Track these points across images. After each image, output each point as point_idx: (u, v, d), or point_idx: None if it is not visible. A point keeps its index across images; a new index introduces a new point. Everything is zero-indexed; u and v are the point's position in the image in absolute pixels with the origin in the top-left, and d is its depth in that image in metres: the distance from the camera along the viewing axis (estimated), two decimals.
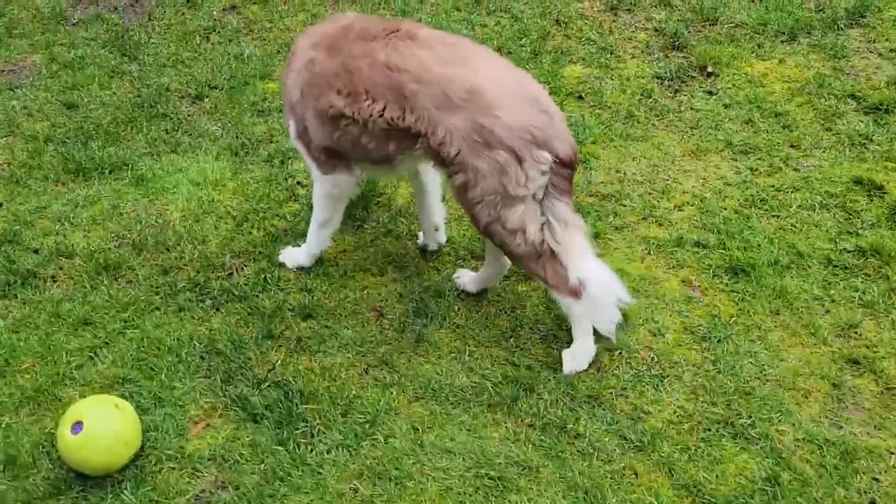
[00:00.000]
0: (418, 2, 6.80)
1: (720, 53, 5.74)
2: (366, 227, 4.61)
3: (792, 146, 5.00)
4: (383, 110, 3.55)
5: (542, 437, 3.54)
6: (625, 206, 4.70)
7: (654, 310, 4.04)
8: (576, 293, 3.64)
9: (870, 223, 4.40)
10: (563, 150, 3.47)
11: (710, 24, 6.20)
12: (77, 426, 3.33)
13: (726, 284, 4.16)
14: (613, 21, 6.36)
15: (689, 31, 6.05)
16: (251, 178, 5.07)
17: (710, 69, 5.67)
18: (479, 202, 3.56)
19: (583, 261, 3.64)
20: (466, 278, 4.20)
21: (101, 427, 3.32)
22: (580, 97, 5.60)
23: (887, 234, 4.34)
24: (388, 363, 3.89)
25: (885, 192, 4.58)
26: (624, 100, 5.50)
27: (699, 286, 4.15)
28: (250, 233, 4.67)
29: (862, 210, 4.50)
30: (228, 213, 4.81)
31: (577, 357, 3.77)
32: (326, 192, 4.12)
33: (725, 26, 6.13)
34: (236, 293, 4.27)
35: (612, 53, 5.99)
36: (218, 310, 4.20)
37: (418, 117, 3.50)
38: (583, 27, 6.28)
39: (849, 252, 4.24)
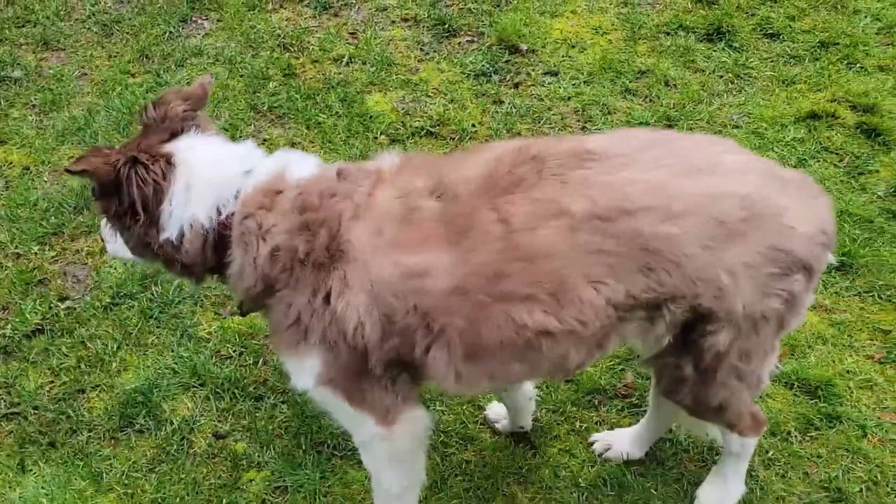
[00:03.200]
0: (57, 81, 4.56)
1: (511, 26, 4.82)
2: None
3: (698, 103, 4.40)
4: (612, 295, 2.17)
5: None
6: None
7: None
8: (761, 427, 2.69)
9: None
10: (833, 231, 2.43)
11: None
12: None
13: None
14: (343, 24, 4.97)
15: (438, 7, 4.97)
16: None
17: (524, 47, 4.74)
18: (738, 357, 2.34)
19: None
20: (624, 442, 2.89)
21: None
22: (430, 133, 4.27)
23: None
24: None
25: (838, 119, 4.25)
26: (487, 118, 4.33)
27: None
28: None
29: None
30: None
31: (726, 500, 2.81)
32: (401, 448, 2.44)
33: None
34: None
35: (393, 65, 4.67)
36: None
37: (679, 273, 2.18)
38: (324, 44, 4.80)
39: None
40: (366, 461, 2.52)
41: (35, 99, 4.47)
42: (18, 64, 4.68)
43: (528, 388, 2.90)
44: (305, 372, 2.31)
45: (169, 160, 2.28)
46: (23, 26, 4.99)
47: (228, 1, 5.10)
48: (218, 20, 5.02)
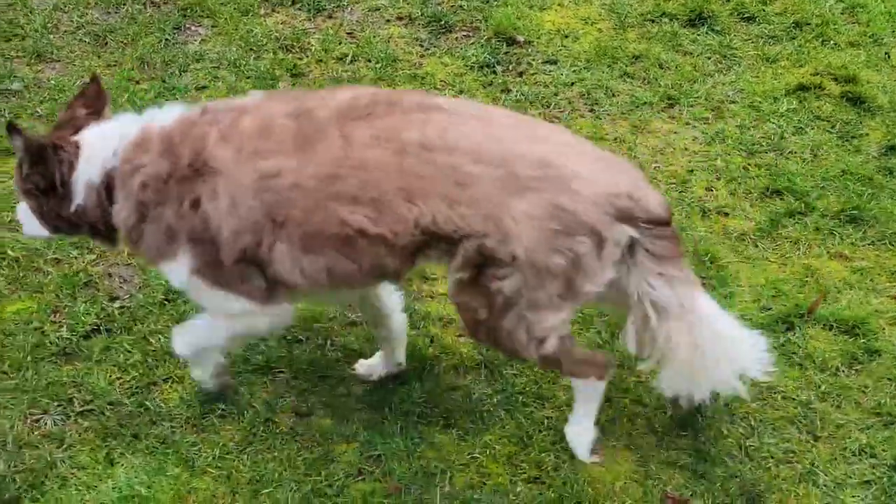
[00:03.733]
0: (59, 91, 4.56)
1: (506, 20, 5.03)
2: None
3: (693, 82, 4.69)
4: (420, 215, 2.51)
5: None
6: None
7: None
8: (598, 370, 2.86)
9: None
10: (655, 205, 2.61)
11: None
12: None
13: None
14: (339, 25, 5.10)
15: (430, 5, 5.14)
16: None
17: (521, 38, 4.95)
18: (525, 306, 2.59)
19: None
20: None
21: None
22: None
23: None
24: None
25: (825, 90, 4.58)
26: (499, 105, 4.50)
27: None
28: None
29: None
30: None
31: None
32: (258, 326, 2.89)
33: None
34: None
35: (397, 61, 4.82)
36: None
37: (475, 211, 2.50)
38: (325, 44, 4.92)
39: None
40: (206, 322, 2.90)
41: (41, 109, 4.44)
42: (15, 76, 4.63)
43: (398, 319, 3.10)
44: (179, 268, 2.72)
45: (77, 145, 2.78)
46: (10, 40, 4.94)
47: (220, 8, 5.15)
48: (212, 26, 5.07)
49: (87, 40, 4.94)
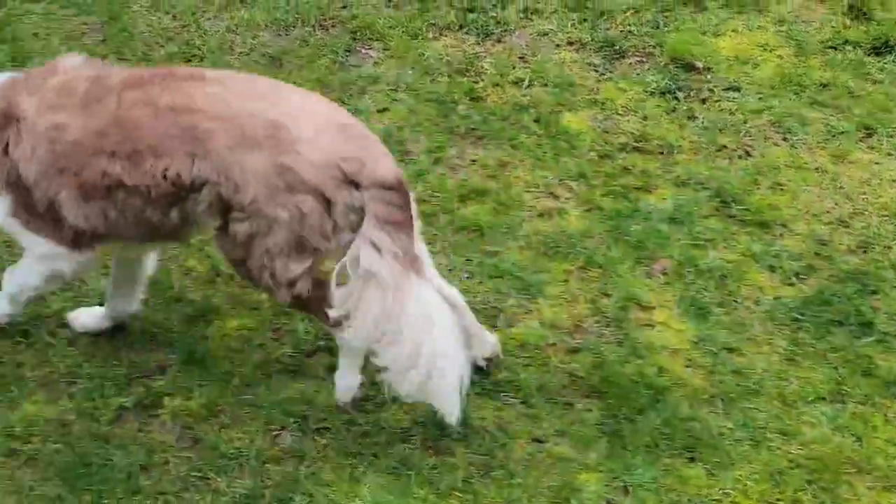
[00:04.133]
0: None
1: (681, 46, 4.97)
2: None
3: (883, 111, 4.57)
4: (167, 168, 2.82)
5: None
6: None
7: None
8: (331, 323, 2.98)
9: None
10: (383, 170, 2.81)
11: (604, 20, 5.32)
12: None
13: None
14: (510, 49, 5.10)
15: (599, 30, 5.11)
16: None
17: (699, 64, 4.89)
18: (262, 253, 2.88)
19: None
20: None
21: None
22: (636, 149, 4.38)
23: None
24: None
25: None
26: (687, 133, 4.45)
27: None
28: None
29: None
30: None
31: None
32: (63, 270, 3.13)
33: (623, 15, 5.32)
34: None
35: (574, 86, 4.80)
36: None
37: (210, 163, 2.80)
38: (499, 68, 4.92)
39: None
40: (25, 262, 3.16)
41: None
42: None
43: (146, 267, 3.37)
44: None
45: None
46: (189, 60, 5.05)
47: (389, 31, 5.20)
48: (384, 49, 5.12)
49: (262, 62, 5.03)
